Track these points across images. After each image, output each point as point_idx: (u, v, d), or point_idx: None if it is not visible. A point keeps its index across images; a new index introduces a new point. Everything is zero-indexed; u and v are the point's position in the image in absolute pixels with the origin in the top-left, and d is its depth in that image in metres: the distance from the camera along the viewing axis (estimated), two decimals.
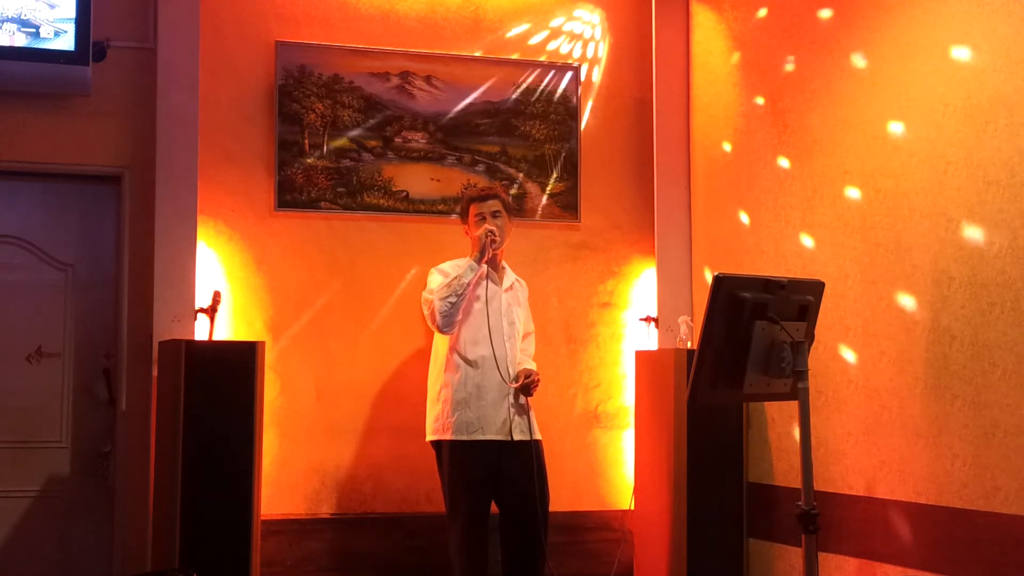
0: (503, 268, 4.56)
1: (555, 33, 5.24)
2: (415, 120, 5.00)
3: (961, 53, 3.77)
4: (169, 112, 4.60)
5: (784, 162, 4.61)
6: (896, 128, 4.04)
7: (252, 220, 4.79)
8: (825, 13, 4.41)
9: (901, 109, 4.02)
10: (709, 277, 3.21)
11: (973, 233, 3.71)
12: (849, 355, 4.22)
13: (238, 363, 4.16)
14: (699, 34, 5.21)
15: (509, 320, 4.49)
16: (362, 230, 4.93)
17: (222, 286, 4.67)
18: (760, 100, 4.77)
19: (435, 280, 4.44)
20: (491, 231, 4.40)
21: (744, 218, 4.85)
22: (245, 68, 4.82)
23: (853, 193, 4.24)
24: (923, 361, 3.89)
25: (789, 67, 4.61)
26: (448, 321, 4.34)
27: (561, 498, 4.82)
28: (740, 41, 4.93)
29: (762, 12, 4.79)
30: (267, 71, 4.83)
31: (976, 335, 3.69)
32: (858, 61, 4.23)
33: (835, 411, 4.27)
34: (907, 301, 3.97)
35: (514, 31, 5.18)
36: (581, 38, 5.28)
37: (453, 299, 4.31)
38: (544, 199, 5.16)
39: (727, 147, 4.99)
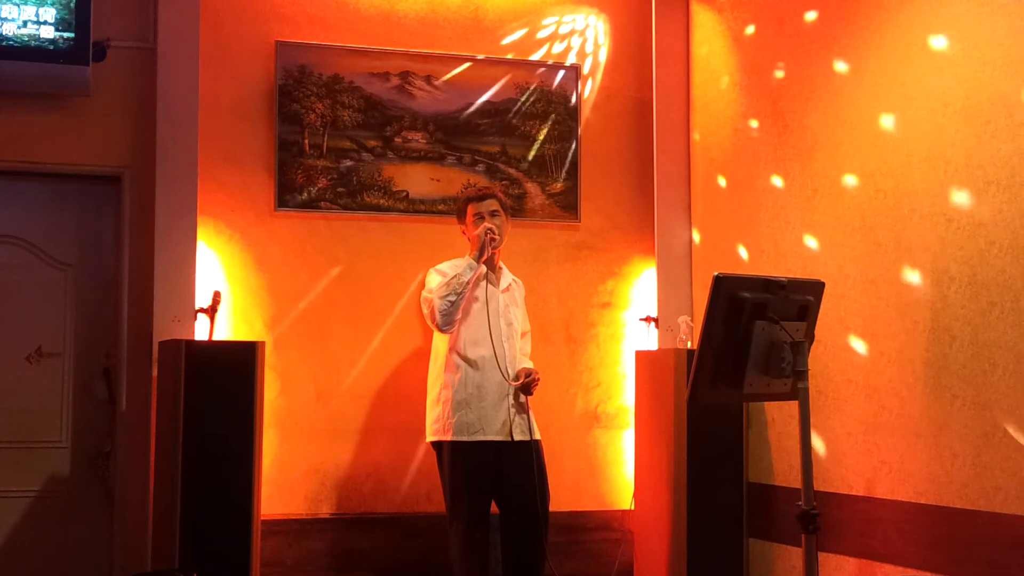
0: (500, 269, 4.56)
1: (555, 33, 5.24)
2: (415, 120, 5.00)
3: (960, 53, 3.77)
4: (169, 112, 4.60)
5: (784, 162, 4.61)
6: (896, 128, 4.04)
7: (252, 220, 4.79)
8: (825, 13, 4.41)
9: (901, 109, 4.02)
10: (709, 277, 3.20)
11: (973, 233, 3.71)
12: (849, 355, 4.22)
13: (238, 363, 4.16)
14: (699, 34, 5.21)
15: (507, 321, 4.49)
16: (362, 230, 4.93)
17: (222, 286, 4.67)
18: (760, 100, 4.77)
19: (433, 280, 4.44)
20: (491, 229, 4.40)
21: (744, 218, 4.85)
22: (245, 68, 4.82)
23: (853, 193, 4.24)
24: (923, 361, 3.89)
25: (789, 67, 4.60)
26: (448, 320, 4.34)
27: (561, 498, 4.82)
28: (740, 41, 4.93)
29: (762, 12, 4.79)
30: (267, 71, 4.83)
31: (976, 335, 3.69)
32: (858, 61, 4.23)
33: (835, 411, 4.27)
34: (907, 301, 3.97)
35: (514, 31, 5.18)
36: (581, 38, 5.28)
37: (453, 297, 4.31)
38: (544, 199, 5.16)
39: (726, 147, 4.99)
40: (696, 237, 5.19)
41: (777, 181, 4.64)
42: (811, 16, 4.49)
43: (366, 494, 4.84)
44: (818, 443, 4.28)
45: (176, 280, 4.55)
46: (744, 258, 4.82)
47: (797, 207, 4.53)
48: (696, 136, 5.21)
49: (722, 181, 5.02)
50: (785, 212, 4.59)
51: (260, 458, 4.19)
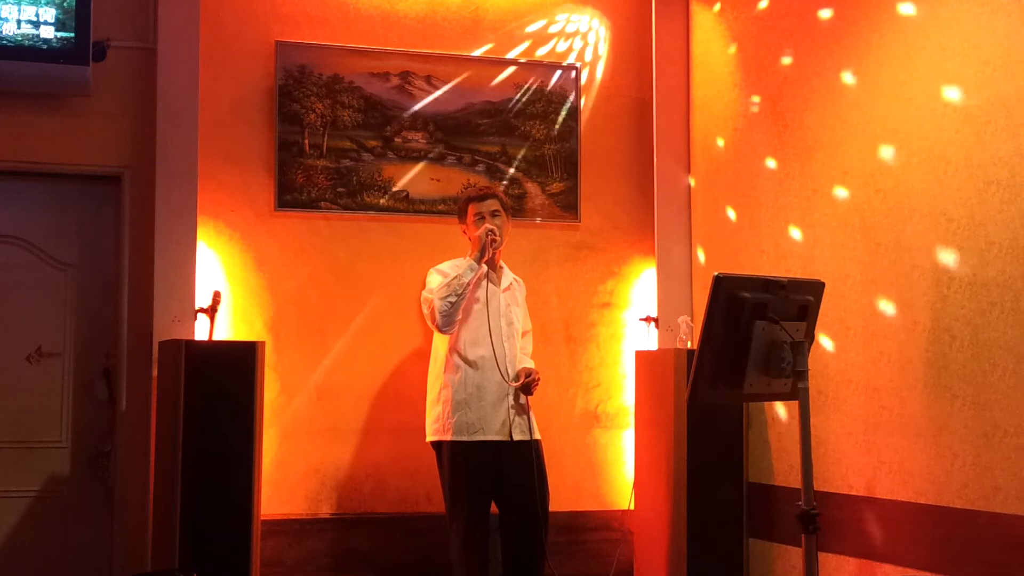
0: (501, 268, 4.56)
1: (555, 33, 5.24)
2: (415, 120, 5.00)
3: (960, 53, 3.77)
4: (169, 112, 4.60)
5: (784, 162, 4.61)
6: (896, 128, 4.04)
7: (252, 220, 4.79)
8: (825, 13, 4.41)
9: (901, 109, 4.01)
10: (709, 277, 3.20)
11: (973, 233, 3.71)
12: (850, 355, 4.22)
13: (238, 363, 4.16)
14: (699, 34, 5.21)
15: (508, 320, 4.49)
16: (362, 230, 4.93)
17: (222, 286, 4.67)
18: (760, 100, 4.77)
19: (434, 280, 4.44)
20: (491, 230, 4.40)
21: (744, 218, 4.85)
22: (245, 68, 4.82)
23: (853, 193, 4.23)
24: (923, 361, 3.89)
25: (789, 67, 4.60)
26: (448, 321, 4.34)
27: (561, 498, 4.82)
28: (740, 41, 4.93)
29: (762, 12, 4.79)
30: (267, 71, 4.83)
31: (976, 335, 3.68)
32: (858, 61, 4.23)
33: (835, 411, 4.27)
34: (907, 301, 3.97)
35: (514, 31, 5.18)
36: (581, 38, 5.28)
37: (453, 299, 4.31)
38: (544, 199, 5.16)
39: (727, 147, 4.99)
40: (696, 237, 5.18)
41: (777, 181, 4.64)
42: (811, 17, 4.49)
43: (366, 494, 4.84)
44: (818, 443, 4.27)
45: (176, 280, 4.55)
46: (744, 258, 4.82)
47: (797, 207, 4.53)
48: (696, 136, 5.21)
49: (722, 181, 5.02)
50: (785, 212, 4.59)
51: (260, 458, 4.19)
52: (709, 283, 3.16)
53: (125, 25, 4.65)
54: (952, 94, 3.80)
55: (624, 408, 5.17)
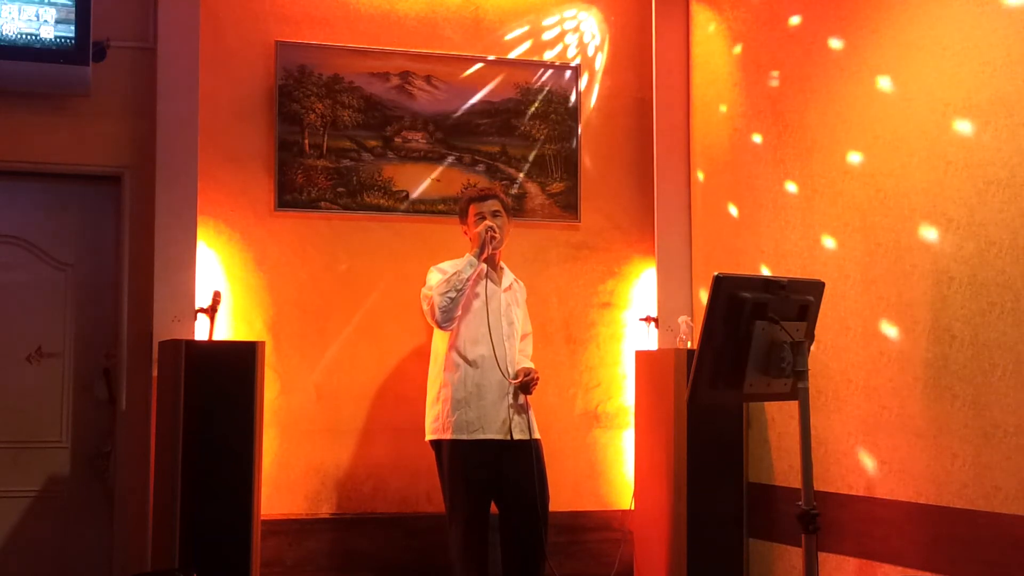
0: (501, 268, 4.57)
1: (555, 33, 5.24)
2: (415, 120, 5.00)
3: (960, 53, 3.77)
4: (169, 112, 4.60)
5: (784, 162, 4.61)
6: (896, 128, 4.04)
7: (252, 220, 4.79)
8: (825, 13, 4.41)
9: (901, 109, 4.02)
10: (709, 277, 3.21)
11: (973, 233, 3.71)
12: (850, 355, 4.22)
13: (238, 363, 4.16)
14: (699, 34, 5.21)
15: (508, 320, 4.49)
16: (362, 230, 4.93)
17: (222, 286, 4.67)
18: (760, 100, 4.77)
19: (434, 278, 4.44)
20: (491, 227, 4.41)
21: (744, 218, 4.85)
22: (245, 68, 4.82)
23: (853, 193, 4.24)
24: (923, 361, 3.89)
25: (789, 66, 4.60)
26: (447, 316, 4.34)
27: (561, 498, 4.82)
28: (740, 40, 4.93)
29: (762, 12, 4.79)
30: (267, 71, 4.83)
31: (976, 335, 3.69)
32: (858, 61, 4.23)
33: (835, 411, 4.27)
34: (907, 301, 3.97)
35: (514, 31, 5.18)
36: (581, 38, 5.28)
37: (452, 294, 4.31)
38: (544, 199, 5.16)
39: (727, 147, 4.99)
40: (696, 237, 5.18)
41: (777, 181, 4.64)
42: (811, 16, 4.49)
43: (366, 494, 4.84)
44: (818, 443, 4.27)
45: (176, 280, 4.55)
46: (744, 257, 4.82)
47: (797, 207, 4.53)
48: (696, 136, 5.21)
49: (722, 181, 5.02)
50: (785, 212, 4.59)
51: (260, 458, 4.19)
52: (709, 283, 3.16)
53: (125, 25, 4.65)
54: (952, 94, 3.80)
55: (624, 408, 5.17)
